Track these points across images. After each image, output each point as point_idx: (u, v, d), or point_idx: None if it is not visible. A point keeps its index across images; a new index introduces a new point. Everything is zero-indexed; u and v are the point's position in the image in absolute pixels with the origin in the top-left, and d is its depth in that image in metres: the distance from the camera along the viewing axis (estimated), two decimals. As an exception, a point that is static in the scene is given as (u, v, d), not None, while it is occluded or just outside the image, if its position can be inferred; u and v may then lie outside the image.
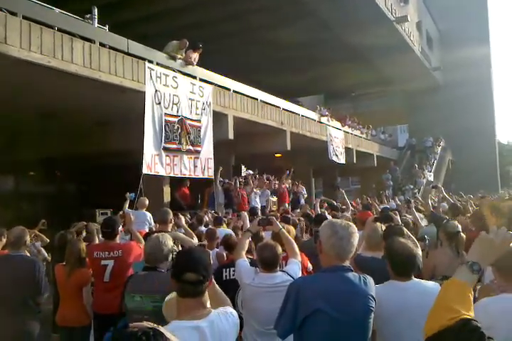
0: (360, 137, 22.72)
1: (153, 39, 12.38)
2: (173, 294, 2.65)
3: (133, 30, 15.15)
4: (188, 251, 2.30)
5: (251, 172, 14.20)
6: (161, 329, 1.33)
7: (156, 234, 3.50)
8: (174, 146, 9.81)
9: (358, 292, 2.43)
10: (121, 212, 7.32)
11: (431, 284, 2.84)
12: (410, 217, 7.12)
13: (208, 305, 2.19)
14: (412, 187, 22.04)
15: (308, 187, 18.99)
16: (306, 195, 15.64)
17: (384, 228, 4.19)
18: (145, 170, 9.03)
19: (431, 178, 23.74)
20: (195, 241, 4.27)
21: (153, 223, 7.80)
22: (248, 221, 5.85)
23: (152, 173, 9.34)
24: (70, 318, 4.51)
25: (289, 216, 7.04)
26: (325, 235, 2.52)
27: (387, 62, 24.30)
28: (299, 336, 2.47)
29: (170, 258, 3.37)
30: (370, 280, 2.53)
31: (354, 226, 2.58)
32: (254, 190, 12.76)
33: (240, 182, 12.75)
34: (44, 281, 4.39)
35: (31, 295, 4.27)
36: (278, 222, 4.05)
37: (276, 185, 14.56)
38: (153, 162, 9.27)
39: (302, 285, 2.50)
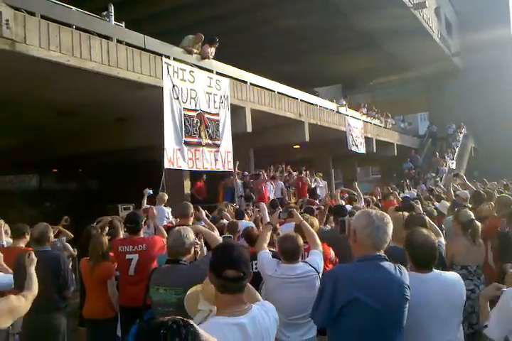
0: (380, 126, 22.47)
1: (169, 34, 12.43)
2: (195, 288, 2.69)
3: (148, 26, 15.27)
4: (229, 247, 2.25)
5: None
6: (191, 322, 1.35)
7: (177, 227, 3.54)
8: (195, 140, 9.86)
9: (394, 281, 2.43)
10: (143, 208, 7.41)
11: (451, 276, 2.82)
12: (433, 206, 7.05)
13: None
14: (433, 175, 21.76)
15: (327, 177, 18.92)
16: (323, 186, 15.53)
17: (405, 217, 4.16)
18: (167, 165, 9.09)
19: (453, 166, 23.38)
20: (217, 234, 4.30)
21: (171, 218, 7.87)
22: (267, 212, 5.87)
23: (174, 168, 9.40)
24: (95, 311, 4.62)
25: (313, 207, 7.03)
26: (360, 225, 2.51)
27: (406, 49, 23.92)
28: (335, 325, 2.47)
29: (192, 251, 3.42)
30: (404, 269, 2.52)
31: (389, 216, 2.58)
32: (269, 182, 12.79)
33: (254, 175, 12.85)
34: (70, 275, 4.50)
35: (58, 290, 4.38)
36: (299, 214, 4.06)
37: (295, 177, 14.58)
38: (175, 156, 9.32)
39: (340, 275, 2.49)
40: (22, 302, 3.04)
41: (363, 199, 8.76)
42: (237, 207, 8.78)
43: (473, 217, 4.70)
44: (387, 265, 2.47)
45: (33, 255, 3.50)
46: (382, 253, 2.51)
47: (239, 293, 2.11)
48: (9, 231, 5.79)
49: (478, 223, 4.64)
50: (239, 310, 2.08)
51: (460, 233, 4.59)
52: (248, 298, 2.28)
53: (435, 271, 2.77)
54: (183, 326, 1.29)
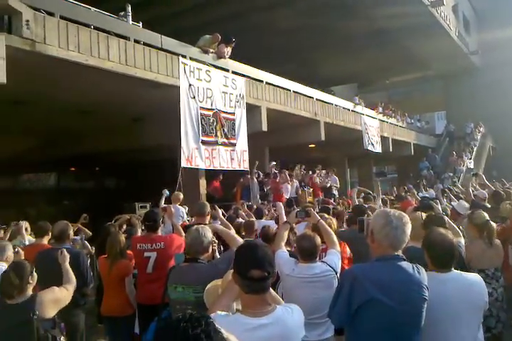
0: (396, 125, 22.28)
1: (186, 34, 12.49)
2: (215, 282, 2.71)
3: (165, 25, 15.31)
4: (252, 247, 2.23)
5: (274, 163, 14.16)
6: (209, 316, 1.36)
7: (195, 226, 3.56)
8: (212, 140, 9.90)
9: (413, 281, 2.42)
10: (161, 207, 7.48)
11: (472, 276, 2.78)
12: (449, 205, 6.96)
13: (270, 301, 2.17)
14: (451, 175, 21.51)
15: (343, 177, 18.83)
16: (337, 186, 15.44)
17: (424, 217, 4.12)
18: (184, 164, 9.14)
19: (471, 165, 23.08)
20: (233, 232, 4.31)
21: (185, 217, 7.91)
22: (284, 212, 5.86)
23: (192, 166, 9.45)
24: (113, 308, 4.66)
25: (330, 206, 7.00)
26: (378, 225, 2.49)
27: (423, 47, 23.67)
28: (353, 325, 2.46)
29: (210, 249, 3.44)
30: (422, 269, 2.50)
31: (407, 216, 2.56)
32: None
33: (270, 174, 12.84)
34: (89, 273, 4.56)
35: (77, 287, 4.43)
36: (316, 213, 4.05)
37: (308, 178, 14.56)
38: (193, 155, 9.36)
39: (358, 274, 2.48)
40: (65, 293, 3.41)
41: (380, 199, 8.62)
42: (255, 206, 8.76)
43: (487, 218, 4.62)
44: (405, 265, 2.45)
45: (65, 252, 3.79)
46: (400, 253, 2.49)
47: (263, 293, 2.10)
48: (29, 229, 5.90)
49: (493, 224, 4.56)
50: (263, 311, 2.07)
51: (476, 236, 4.52)
52: (272, 300, 2.27)
53: (455, 271, 2.75)
54: (202, 318, 1.30)
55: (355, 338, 2.49)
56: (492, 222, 4.59)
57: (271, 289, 2.37)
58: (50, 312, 3.23)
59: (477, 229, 4.54)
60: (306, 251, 3.49)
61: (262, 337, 2.00)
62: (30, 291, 3.26)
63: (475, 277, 2.78)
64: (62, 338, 3.24)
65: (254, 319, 2.03)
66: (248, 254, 2.15)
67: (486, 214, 4.72)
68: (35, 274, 3.32)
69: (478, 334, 2.68)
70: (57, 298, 3.32)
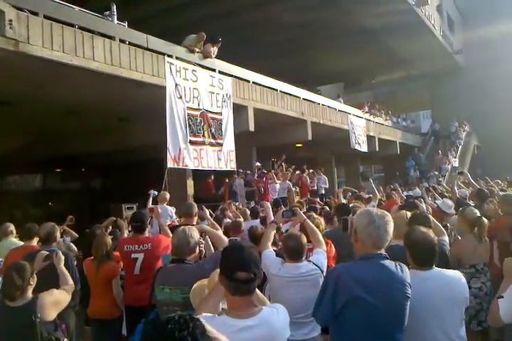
0: (382, 124, 22.44)
1: (172, 33, 12.42)
2: (201, 282, 2.71)
3: (151, 25, 15.23)
4: (238, 249, 2.21)
5: (259, 164, 14.17)
6: (198, 317, 1.37)
7: (182, 227, 3.56)
8: (199, 140, 9.88)
9: (396, 279, 2.45)
10: (148, 207, 7.46)
11: (452, 273, 2.83)
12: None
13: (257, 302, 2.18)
14: (436, 173, 21.73)
15: (330, 176, 18.91)
16: (325, 185, 15.44)
17: (409, 216, 4.16)
18: (170, 164, 9.10)
19: (456, 164, 23.35)
20: (221, 233, 4.31)
21: (174, 216, 7.89)
22: (271, 211, 5.87)
23: (179, 167, 9.42)
24: (101, 311, 4.64)
25: (316, 206, 7.02)
26: (361, 224, 2.52)
27: (408, 46, 23.85)
28: (337, 323, 2.48)
29: (197, 250, 3.43)
30: (405, 268, 2.54)
31: (390, 215, 2.59)
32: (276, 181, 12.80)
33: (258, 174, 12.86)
34: (76, 275, 4.52)
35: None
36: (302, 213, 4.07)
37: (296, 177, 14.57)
38: (181, 156, 9.33)
39: (342, 272, 2.50)
40: (64, 295, 3.45)
41: (377, 199, 8.46)
42: (248, 206, 8.76)
43: (479, 214, 4.69)
44: (388, 263, 2.48)
45: (60, 254, 3.80)
46: (383, 251, 2.52)
47: (249, 294, 2.11)
48: (14, 232, 5.82)
49: (485, 220, 4.63)
50: (249, 312, 2.08)
51: (467, 231, 4.58)
52: (257, 299, 2.28)
53: (436, 268, 2.79)
54: (190, 320, 1.30)
55: (339, 337, 2.51)
56: (484, 218, 4.66)
57: (257, 290, 2.38)
58: (51, 314, 3.25)
59: (469, 225, 4.61)
60: (293, 251, 3.50)
61: (248, 339, 2.01)
62: (30, 293, 3.26)
63: (455, 274, 2.83)
64: (65, 340, 3.28)
65: (240, 320, 2.04)
66: (234, 256, 2.15)
67: (477, 211, 4.79)
68: (35, 276, 3.32)
69: (460, 331, 2.72)
70: (57, 300, 3.35)
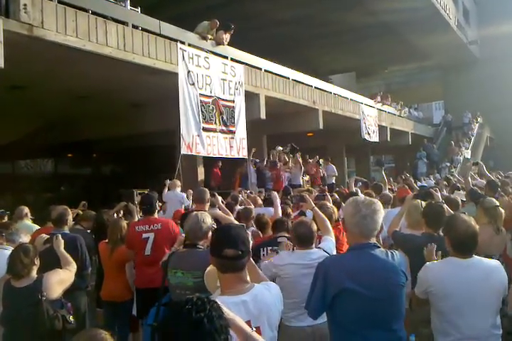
0: (394, 115, 22.24)
1: (184, 20, 12.35)
2: (212, 266, 2.74)
3: (164, 11, 15.14)
4: (226, 228, 2.32)
5: (281, 148, 13.93)
6: (215, 299, 1.39)
7: (194, 212, 3.58)
8: (212, 127, 9.86)
9: (387, 268, 2.44)
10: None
11: (492, 262, 2.82)
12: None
13: (249, 279, 2.23)
14: (448, 164, 21.53)
15: (341, 166, 18.83)
16: (334, 173, 15.31)
17: (424, 205, 4.14)
18: (184, 151, 9.10)
19: (468, 155, 23.12)
20: (233, 219, 4.33)
21: (187, 202, 7.94)
22: (279, 200, 5.87)
23: (192, 153, 9.42)
24: (114, 293, 4.71)
25: (325, 194, 7.01)
26: (348, 214, 2.51)
27: (422, 36, 23.47)
28: (332, 315, 2.50)
29: (209, 235, 3.45)
30: (398, 255, 2.51)
31: (379, 203, 2.54)
32: (287, 170, 12.77)
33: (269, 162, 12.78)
34: (87, 257, 4.58)
35: (77, 271, 4.46)
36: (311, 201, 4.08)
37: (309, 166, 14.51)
38: (195, 142, 9.31)
39: (329, 265, 2.52)
40: (68, 274, 3.60)
41: (387, 188, 8.39)
42: (264, 194, 8.76)
43: (497, 203, 4.65)
44: (379, 252, 2.45)
45: (59, 237, 3.89)
46: (373, 240, 2.49)
47: (239, 271, 2.15)
48: (29, 214, 5.90)
49: (501, 210, 4.59)
50: (242, 289, 2.13)
51: (485, 221, 4.54)
52: (255, 278, 2.34)
53: (476, 257, 2.77)
54: (207, 302, 1.32)
55: (337, 329, 2.52)
56: (500, 208, 4.61)
57: (256, 267, 2.46)
58: (57, 292, 3.37)
59: (487, 215, 4.57)
60: (303, 237, 3.51)
61: (243, 313, 2.03)
62: (35, 273, 3.36)
63: (495, 263, 2.82)
64: (70, 317, 3.36)
65: (234, 297, 2.08)
66: (222, 235, 2.21)
67: (496, 201, 4.73)
68: (38, 257, 3.41)
69: (497, 320, 2.72)
70: (61, 279, 3.48)
